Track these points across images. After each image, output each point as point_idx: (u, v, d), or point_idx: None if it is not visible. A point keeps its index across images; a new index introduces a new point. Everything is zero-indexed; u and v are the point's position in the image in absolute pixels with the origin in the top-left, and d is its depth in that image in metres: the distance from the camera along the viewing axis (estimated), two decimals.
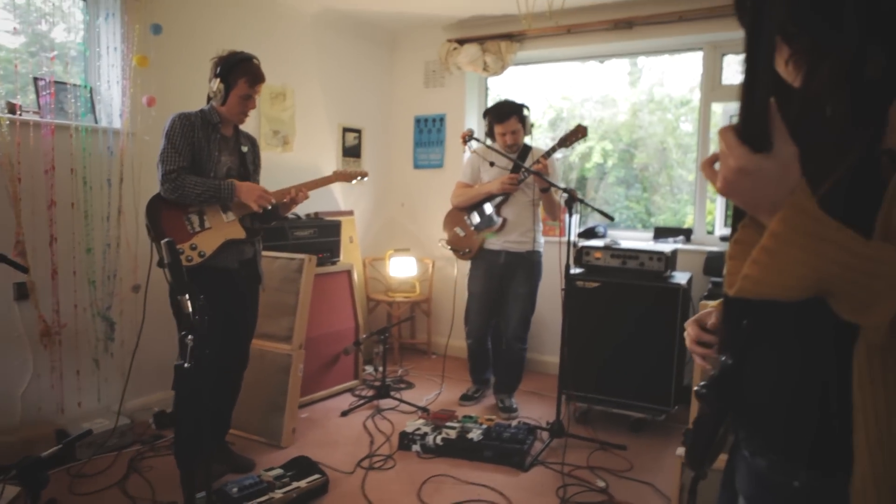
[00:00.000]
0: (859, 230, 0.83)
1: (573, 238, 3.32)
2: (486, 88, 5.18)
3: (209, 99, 2.74)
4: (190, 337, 1.76)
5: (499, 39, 4.60)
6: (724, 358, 1.08)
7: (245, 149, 2.87)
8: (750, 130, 0.77)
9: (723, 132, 0.79)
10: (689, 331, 1.19)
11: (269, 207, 2.78)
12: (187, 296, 1.79)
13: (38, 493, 1.76)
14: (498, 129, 3.65)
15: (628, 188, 5.17)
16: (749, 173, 0.77)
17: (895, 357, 0.83)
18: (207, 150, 2.70)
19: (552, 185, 3.46)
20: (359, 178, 3.20)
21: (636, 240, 4.39)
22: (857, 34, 0.88)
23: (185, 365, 1.74)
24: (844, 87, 0.92)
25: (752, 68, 0.74)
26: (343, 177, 3.15)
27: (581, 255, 3.72)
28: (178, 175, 2.60)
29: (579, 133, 3.46)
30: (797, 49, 0.94)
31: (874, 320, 0.76)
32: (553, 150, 3.54)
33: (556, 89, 5.16)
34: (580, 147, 4.98)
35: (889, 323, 0.75)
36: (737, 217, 0.99)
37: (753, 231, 0.85)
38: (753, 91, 0.75)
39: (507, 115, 3.61)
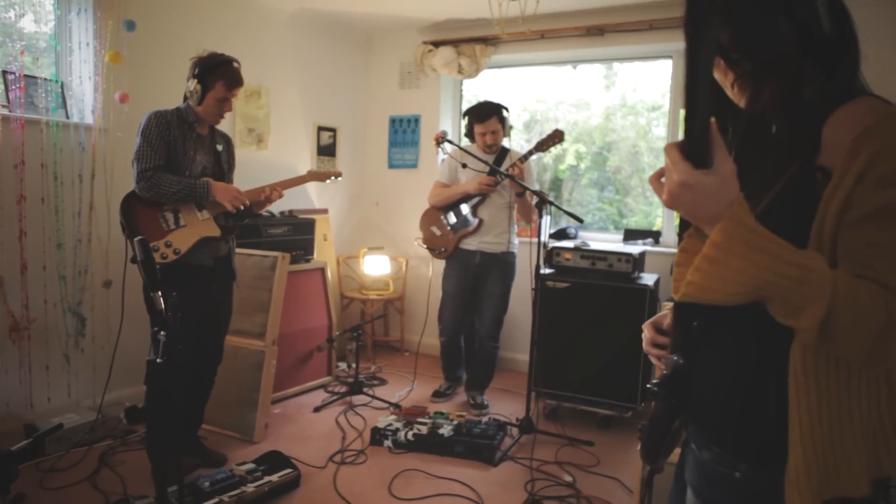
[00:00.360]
0: (797, 239, 0.91)
1: (544, 239, 3.39)
2: (461, 91, 5.24)
3: (185, 98, 2.75)
4: (162, 333, 1.79)
5: (473, 43, 4.67)
6: (675, 358, 1.15)
7: (220, 147, 2.89)
8: (692, 148, 0.84)
9: (668, 148, 0.86)
10: (646, 333, 1.25)
11: (243, 208, 2.81)
12: (160, 292, 1.82)
13: (8, 486, 1.78)
14: (478, 129, 3.72)
15: (601, 190, 5.27)
16: (691, 187, 0.84)
17: (826, 357, 0.91)
18: (183, 148, 2.71)
19: (526, 188, 3.52)
20: (333, 178, 3.23)
21: (607, 241, 4.48)
22: (795, 60, 0.96)
23: (158, 360, 1.76)
24: (786, 108, 1.00)
25: (692, 91, 0.80)
26: (317, 176, 3.19)
27: (551, 255, 3.80)
28: (153, 173, 2.62)
29: (556, 137, 3.54)
30: (740, 73, 1.02)
31: (805, 323, 0.83)
32: (530, 153, 3.62)
33: (531, 92, 5.24)
34: (555, 149, 5.08)
35: (818, 325, 0.82)
36: (683, 227, 1.06)
37: (698, 240, 0.92)
38: (695, 112, 0.81)
39: (487, 114, 3.68)
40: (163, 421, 2.66)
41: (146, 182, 2.61)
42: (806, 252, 0.84)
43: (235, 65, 2.76)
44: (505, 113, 3.74)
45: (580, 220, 3.38)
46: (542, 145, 3.58)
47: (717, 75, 1.07)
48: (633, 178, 5.17)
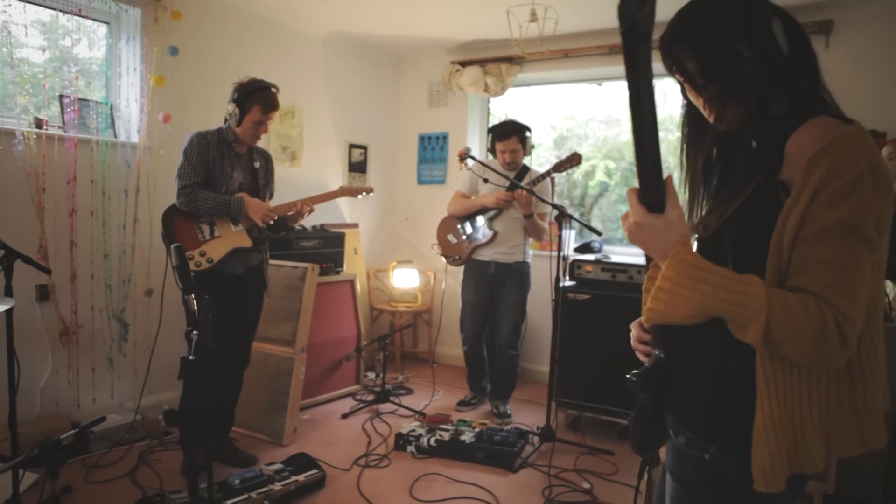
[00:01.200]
0: (757, 245, 1.01)
1: (567, 252, 3.48)
2: (488, 108, 5.38)
3: (226, 119, 2.96)
4: (195, 332, 1.94)
5: (499, 62, 4.80)
6: (657, 352, 1.25)
7: (257, 165, 3.09)
8: (647, 196, 1.01)
9: (629, 193, 1.03)
10: (633, 331, 1.35)
11: (272, 223, 2.99)
12: (193, 295, 1.98)
13: (56, 471, 1.94)
14: (499, 147, 3.84)
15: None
16: (642, 227, 1.01)
17: (787, 361, 1.01)
18: (221, 166, 2.92)
19: (543, 200, 3.61)
20: (364, 193, 3.39)
21: (630, 255, 4.53)
22: (755, 80, 1.06)
23: (191, 357, 1.92)
24: (753, 124, 1.10)
25: (640, 142, 0.92)
26: (349, 192, 3.35)
27: (573, 268, 3.88)
28: (192, 190, 2.84)
29: (574, 160, 3.65)
30: (707, 97, 1.12)
31: (750, 338, 0.96)
32: (546, 174, 3.74)
33: (561, 109, 5.34)
34: (584, 165, 5.16)
35: (762, 339, 0.95)
36: (648, 258, 1.20)
37: (658, 270, 1.05)
38: (646, 163, 0.95)
39: (508, 133, 3.81)
40: (194, 416, 2.83)
41: (185, 197, 2.83)
42: (744, 278, 0.97)
43: (273, 90, 2.96)
44: (527, 133, 3.85)
45: (599, 233, 3.47)
46: (559, 167, 3.69)
47: (690, 98, 1.18)
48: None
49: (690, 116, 1.22)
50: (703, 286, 0.96)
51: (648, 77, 0.90)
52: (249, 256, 3.04)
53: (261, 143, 4.27)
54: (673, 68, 1.15)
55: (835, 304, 0.93)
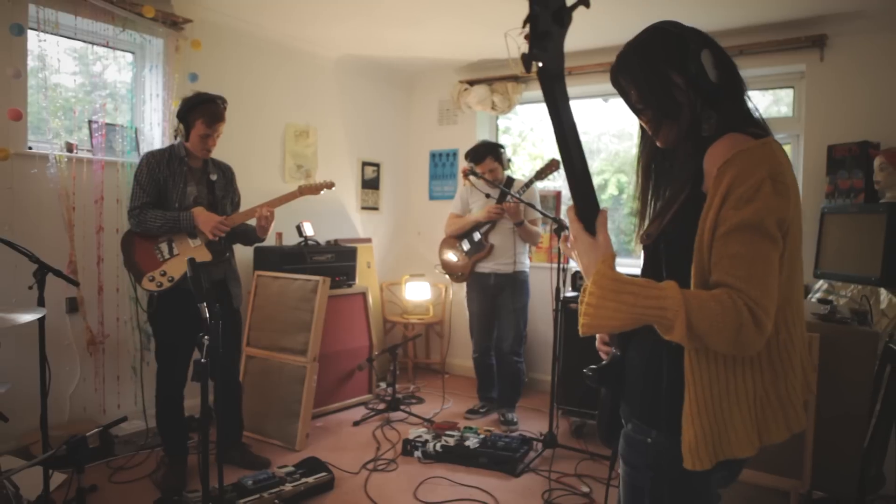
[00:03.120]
0: (691, 248, 1.14)
1: (570, 264, 3.61)
2: (496, 125, 5.54)
3: (175, 135, 3.08)
4: (206, 337, 2.11)
5: (505, 81, 4.98)
6: (615, 351, 1.39)
7: (214, 177, 3.16)
8: (581, 214, 1.20)
9: (568, 210, 1.22)
10: (598, 335, 1.49)
11: (225, 234, 3.05)
12: (205, 304, 2.15)
13: (83, 466, 2.12)
14: (478, 170, 4.03)
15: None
16: (577, 240, 1.19)
17: (711, 356, 1.14)
18: (173, 181, 3.02)
19: (542, 213, 3.79)
20: (325, 189, 3.34)
21: (634, 267, 4.61)
22: (685, 105, 1.21)
23: (203, 360, 2.08)
24: (685, 142, 1.25)
25: (571, 178, 1.13)
26: (309, 190, 3.28)
27: (576, 279, 4.01)
28: (140, 211, 2.95)
29: (552, 167, 3.86)
30: (646, 120, 1.28)
31: (676, 337, 1.07)
32: (529, 183, 3.92)
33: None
34: (596, 179, 5.26)
35: (686, 336, 1.06)
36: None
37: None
38: (577, 193, 1.15)
39: (483, 156, 4.02)
40: (166, 420, 3.06)
41: (134, 219, 2.96)
42: (661, 284, 1.10)
43: (218, 102, 3.01)
44: (501, 150, 4.05)
45: None
46: (541, 174, 3.89)
47: (640, 120, 1.33)
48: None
49: (644, 134, 1.37)
50: (624, 296, 1.09)
51: (569, 112, 1.07)
52: (212, 271, 3.08)
53: (277, 162, 4.50)
54: (620, 94, 1.31)
55: (746, 292, 1.05)
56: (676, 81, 1.22)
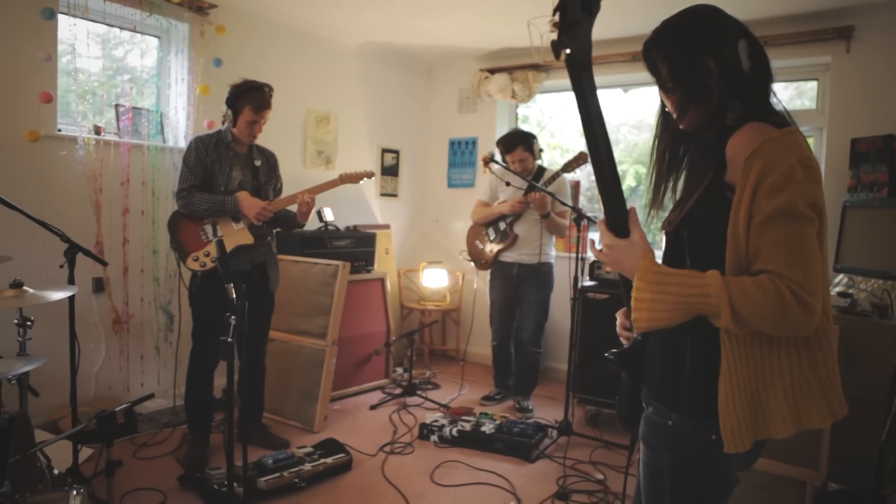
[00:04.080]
0: (709, 236, 1.16)
1: (589, 254, 3.62)
2: (516, 114, 5.54)
3: (223, 121, 3.14)
4: (233, 317, 2.16)
5: (526, 69, 4.97)
6: (637, 336, 1.42)
7: (258, 163, 3.23)
8: (612, 221, 1.22)
9: (600, 223, 1.25)
10: (619, 319, 1.51)
11: (271, 218, 3.14)
12: (231, 284, 2.20)
13: (111, 440, 2.19)
14: (508, 158, 4.04)
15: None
16: (613, 248, 1.21)
17: (748, 341, 1.15)
18: (220, 166, 3.09)
19: (563, 203, 3.79)
20: (365, 178, 3.38)
21: (658, 258, 4.62)
22: (716, 90, 1.22)
23: (229, 339, 2.13)
24: (710, 129, 1.26)
25: (600, 178, 1.15)
26: (349, 179, 3.33)
27: (593, 269, 4.02)
28: (188, 193, 3.03)
29: (581, 159, 3.83)
30: (674, 100, 1.28)
31: (724, 322, 1.09)
32: (556, 174, 3.91)
33: None
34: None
35: (732, 321, 1.07)
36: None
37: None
38: (607, 195, 1.17)
39: (514, 145, 4.00)
40: (195, 397, 3.13)
41: (182, 200, 3.05)
42: (703, 273, 1.11)
43: (266, 90, 3.08)
44: (533, 140, 4.03)
45: None
46: (568, 166, 3.87)
47: (662, 97, 1.34)
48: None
49: (663, 119, 1.38)
50: (668, 287, 1.12)
51: (596, 101, 1.08)
52: (253, 253, 3.17)
53: (298, 148, 4.55)
54: (650, 69, 1.32)
55: (789, 276, 1.06)
56: (710, 66, 1.22)
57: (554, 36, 1.07)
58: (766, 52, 1.26)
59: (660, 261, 1.24)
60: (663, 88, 1.30)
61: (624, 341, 1.48)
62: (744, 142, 1.15)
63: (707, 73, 1.23)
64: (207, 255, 3.06)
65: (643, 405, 1.39)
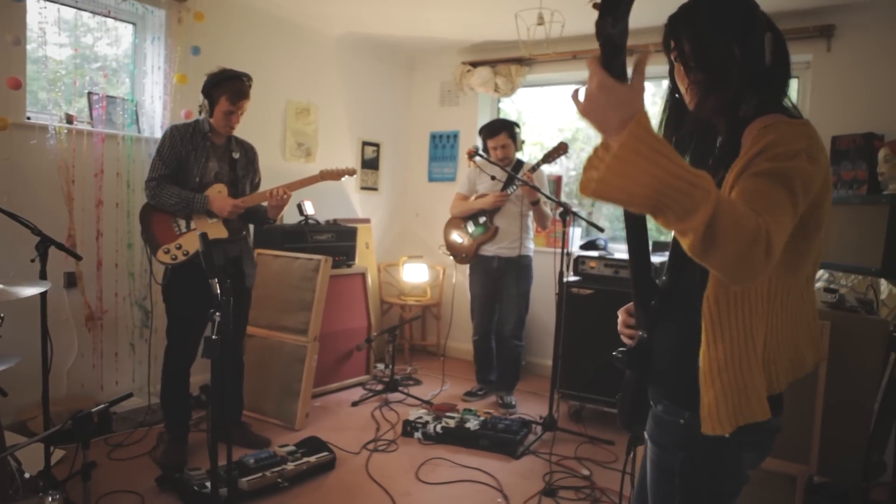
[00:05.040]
0: None
1: (573, 249, 3.60)
2: (498, 108, 5.50)
3: (200, 110, 3.04)
4: (217, 314, 2.08)
5: (509, 63, 4.93)
6: (641, 333, 1.38)
7: (236, 155, 3.13)
8: (610, 54, 0.95)
9: (590, 61, 0.97)
10: (620, 317, 1.48)
11: (242, 214, 3.07)
12: (216, 279, 2.12)
13: (88, 442, 2.10)
14: (490, 144, 4.02)
15: None
16: (607, 90, 0.94)
17: (733, 301, 1.13)
18: (195, 156, 2.99)
19: (550, 198, 3.77)
20: (346, 175, 3.27)
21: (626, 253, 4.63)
22: (738, 80, 1.19)
23: (214, 337, 2.06)
24: (726, 119, 1.23)
25: (608, 3, 0.93)
26: (330, 175, 3.21)
27: (577, 264, 4.01)
28: (157, 183, 2.93)
29: (561, 149, 3.84)
30: (693, 80, 1.24)
31: (695, 223, 0.93)
32: (538, 164, 3.89)
33: (570, 109, 5.42)
34: None
35: (704, 227, 0.93)
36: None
37: (607, 151, 1.00)
38: (614, 32, 0.95)
39: (497, 130, 4.00)
40: (171, 396, 3.04)
41: (150, 191, 2.94)
42: (696, 169, 0.97)
43: (244, 80, 2.98)
44: (516, 129, 4.04)
45: (601, 230, 3.59)
46: (549, 157, 3.86)
47: (676, 78, 1.30)
48: None
49: (671, 103, 1.35)
50: (661, 158, 0.92)
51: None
52: (228, 247, 3.08)
53: (277, 140, 4.45)
54: (671, 46, 1.26)
55: (766, 219, 0.99)
56: (735, 52, 1.20)
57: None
58: (787, 50, 1.24)
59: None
60: (685, 67, 1.25)
61: (626, 339, 1.45)
62: (759, 124, 1.14)
63: (731, 59, 1.20)
64: (179, 247, 2.96)
65: (651, 403, 1.36)
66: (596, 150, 1.02)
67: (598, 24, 0.95)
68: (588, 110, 0.98)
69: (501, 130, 4.00)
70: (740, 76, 1.20)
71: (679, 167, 0.93)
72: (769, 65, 1.20)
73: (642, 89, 0.96)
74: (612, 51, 0.96)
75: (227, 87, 2.93)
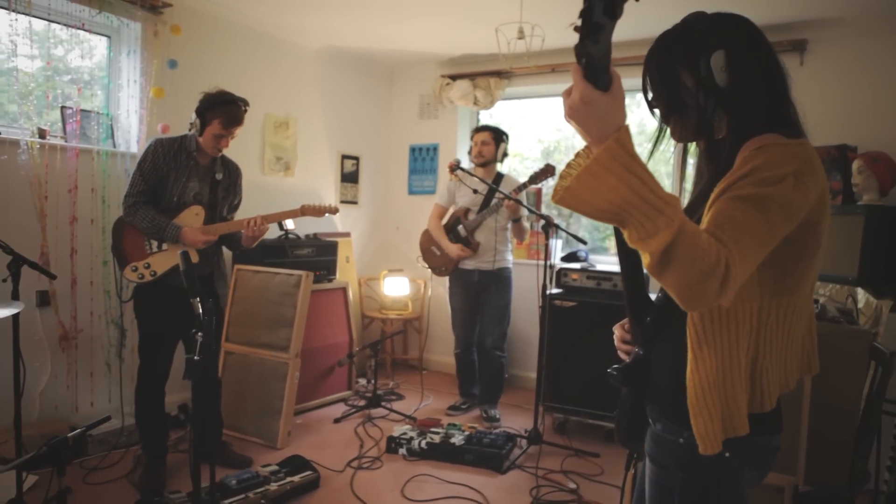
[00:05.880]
0: None
1: (555, 261, 3.60)
2: (478, 121, 5.51)
3: (190, 127, 2.98)
4: (199, 334, 2.03)
5: (488, 76, 4.95)
6: (637, 350, 1.38)
7: (219, 176, 3.06)
8: (593, 75, 0.96)
9: (574, 69, 0.97)
10: (616, 333, 1.47)
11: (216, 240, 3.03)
12: (198, 299, 2.07)
13: (64, 468, 2.02)
14: (474, 139, 4.10)
15: None
16: (588, 103, 0.95)
17: (717, 320, 1.14)
18: (175, 174, 2.92)
19: (531, 210, 3.78)
20: (328, 213, 3.21)
21: (615, 264, 4.66)
22: (690, 103, 1.20)
23: (195, 357, 2.01)
24: (697, 138, 1.25)
25: (588, 27, 0.92)
26: (312, 211, 3.16)
27: (560, 276, 4.01)
28: (135, 201, 2.87)
29: (548, 172, 3.85)
30: (659, 113, 1.27)
31: (653, 247, 0.96)
32: (524, 186, 3.89)
33: (549, 122, 5.46)
34: None
35: (662, 252, 0.95)
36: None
37: (584, 160, 1.03)
38: (597, 41, 0.93)
39: (483, 128, 4.12)
40: (147, 417, 2.97)
41: (126, 207, 2.88)
42: (670, 193, 0.99)
43: (240, 105, 2.92)
44: (503, 137, 4.11)
45: (584, 242, 3.60)
46: (535, 179, 3.87)
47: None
48: None
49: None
50: (632, 178, 0.94)
51: None
52: (199, 269, 2.97)
53: (256, 154, 4.40)
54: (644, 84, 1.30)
55: (733, 253, 1.00)
56: (686, 82, 1.20)
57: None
58: (757, 59, 1.20)
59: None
60: (647, 102, 1.29)
61: (623, 355, 1.44)
62: (755, 142, 1.14)
63: (682, 89, 1.21)
64: (147, 266, 2.89)
65: (650, 422, 1.35)
66: (577, 154, 1.04)
67: (579, 46, 0.94)
68: (572, 117, 0.99)
69: (487, 129, 4.09)
70: (699, 103, 1.20)
71: (648, 190, 0.95)
72: (725, 83, 1.17)
73: (623, 97, 0.97)
74: (594, 71, 0.95)
75: (223, 112, 2.87)
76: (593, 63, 0.98)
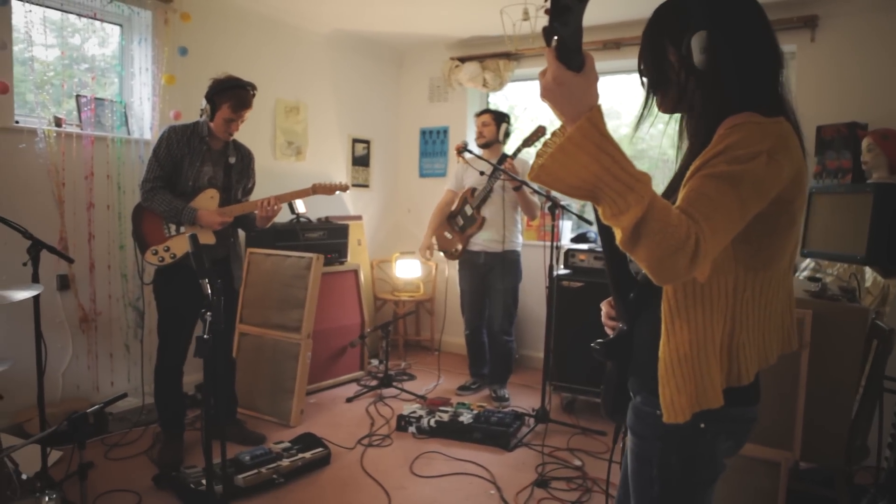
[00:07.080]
0: None
1: (562, 242, 3.64)
2: (487, 103, 5.52)
3: (201, 113, 3.05)
4: (209, 313, 2.11)
5: (497, 58, 4.95)
6: (621, 325, 1.42)
7: (232, 160, 3.14)
8: (565, 54, 0.98)
9: (546, 50, 1.00)
10: (603, 309, 1.52)
11: (232, 221, 3.11)
12: (207, 279, 2.15)
13: (84, 442, 2.12)
14: (476, 122, 4.17)
15: None
16: (560, 84, 0.98)
17: (692, 295, 1.17)
18: (190, 159, 3.01)
19: (534, 189, 3.81)
20: (339, 191, 3.33)
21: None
22: (672, 79, 1.23)
23: (206, 336, 2.08)
24: (678, 111, 1.29)
25: (557, 9, 0.95)
26: (323, 190, 3.25)
27: (567, 257, 4.04)
28: (152, 186, 2.95)
29: (539, 132, 3.88)
30: (646, 85, 1.30)
31: (624, 223, 0.99)
32: (518, 150, 3.94)
33: None
34: None
35: (633, 227, 0.98)
36: None
37: (559, 139, 1.03)
38: (569, 23, 0.96)
39: (483, 111, 4.17)
40: (165, 395, 3.07)
41: (144, 193, 2.96)
42: (641, 170, 1.02)
43: (248, 89, 3.00)
44: (505, 118, 4.14)
45: (589, 223, 3.62)
46: (528, 141, 3.90)
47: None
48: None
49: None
50: (603, 156, 0.97)
51: None
52: (215, 251, 3.09)
53: (267, 139, 4.46)
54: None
55: (704, 229, 1.02)
56: (670, 58, 1.23)
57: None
58: (725, 51, 1.20)
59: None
60: (638, 70, 1.32)
61: (609, 331, 1.49)
62: (731, 121, 1.16)
63: (666, 64, 1.24)
64: (167, 249, 2.99)
65: (630, 395, 1.40)
66: (554, 133, 1.07)
67: (546, 31, 0.97)
68: (546, 97, 1.02)
69: (486, 112, 4.13)
70: (680, 79, 1.23)
71: (619, 168, 0.97)
72: (702, 65, 1.19)
73: (595, 78, 0.99)
74: (566, 52, 0.98)
75: (231, 96, 2.95)
76: (564, 44, 1.01)
